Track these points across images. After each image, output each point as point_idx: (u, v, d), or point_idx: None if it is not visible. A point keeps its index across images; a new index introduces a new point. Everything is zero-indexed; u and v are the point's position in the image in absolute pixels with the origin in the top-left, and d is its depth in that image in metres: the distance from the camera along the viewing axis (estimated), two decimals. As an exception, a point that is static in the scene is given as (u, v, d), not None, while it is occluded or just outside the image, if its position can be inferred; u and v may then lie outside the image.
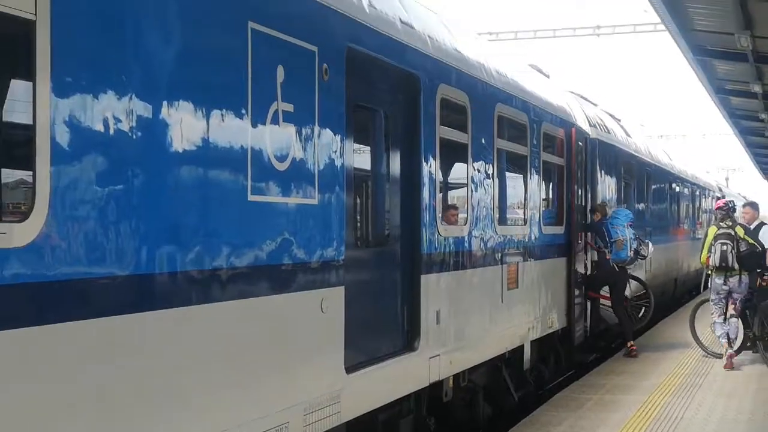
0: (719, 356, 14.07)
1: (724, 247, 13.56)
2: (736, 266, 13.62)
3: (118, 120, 4.72)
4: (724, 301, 13.90)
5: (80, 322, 4.47)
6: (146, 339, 4.92)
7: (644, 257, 15.63)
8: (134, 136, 4.84)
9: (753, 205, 15.59)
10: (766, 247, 14.60)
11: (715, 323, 13.97)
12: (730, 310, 13.86)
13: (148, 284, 4.96)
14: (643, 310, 17.08)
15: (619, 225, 14.81)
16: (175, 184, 5.17)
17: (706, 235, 14.30)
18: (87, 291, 4.54)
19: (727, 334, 13.85)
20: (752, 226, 15.10)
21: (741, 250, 13.58)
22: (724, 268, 13.63)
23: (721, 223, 13.98)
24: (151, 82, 4.98)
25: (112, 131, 4.68)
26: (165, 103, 5.07)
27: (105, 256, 4.64)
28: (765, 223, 15.32)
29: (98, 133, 4.60)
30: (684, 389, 11.88)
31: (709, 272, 14.05)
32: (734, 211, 14.24)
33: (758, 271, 14.03)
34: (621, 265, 14.87)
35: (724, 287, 13.79)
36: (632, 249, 14.83)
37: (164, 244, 5.07)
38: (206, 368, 5.39)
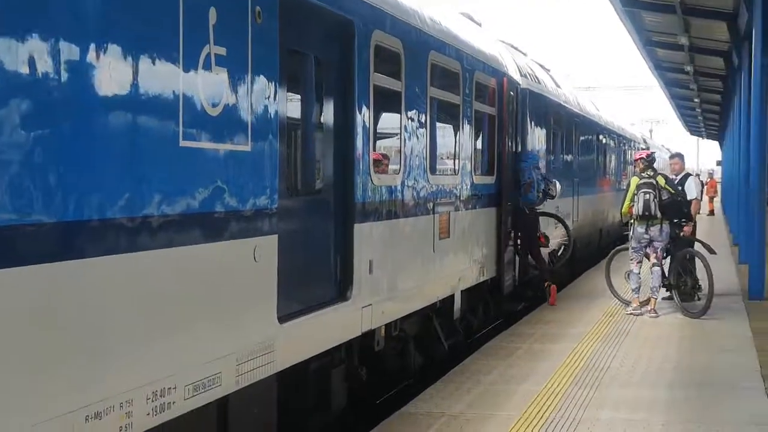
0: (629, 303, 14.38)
1: (647, 196, 13.81)
2: (659, 214, 13.86)
3: (41, 63, 4.52)
4: (643, 249, 14.15)
5: (3, 271, 4.31)
6: (73, 289, 4.77)
7: (552, 197, 15.79)
8: (59, 80, 4.64)
9: (680, 157, 15.81)
10: (689, 197, 14.89)
11: (631, 272, 14.22)
12: (652, 259, 14.12)
13: (75, 232, 4.79)
14: (562, 248, 17.33)
15: (526, 168, 14.86)
16: (104, 129, 4.99)
17: (628, 186, 14.52)
18: (10, 239, 4.37)
19: (639, 287, 14.16)
20: (678, 177, 15.33)
21: (663, 198, 13.85)
22: (647, 217, 13.86)
23: (642, 174, 14.20)
24: (77, 23, 4.78)
25: (35, 75, 4.48)
26: (93, 45, 4.87)
27: (31, 204, 4.47)
28: (690, 174, 15.58)
29: (21, 76, 4.40)
30: (610, 338, 12.03)
31: (632, 221, 14.24)
32: (654, 161, 14.47)
33: (679, 220, 14.31)
34: (531, 207, 14.98)
35: (646, 236, 14.02)
36: (540, 190, 14.97)
37: (93, 191, 4.91)
38: (135, 319, 5.26)
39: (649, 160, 14.30)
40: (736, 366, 10.27)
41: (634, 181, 14.23)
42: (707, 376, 9.77)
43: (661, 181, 14.08)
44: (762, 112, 15.73)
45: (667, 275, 14.37)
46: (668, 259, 14.53)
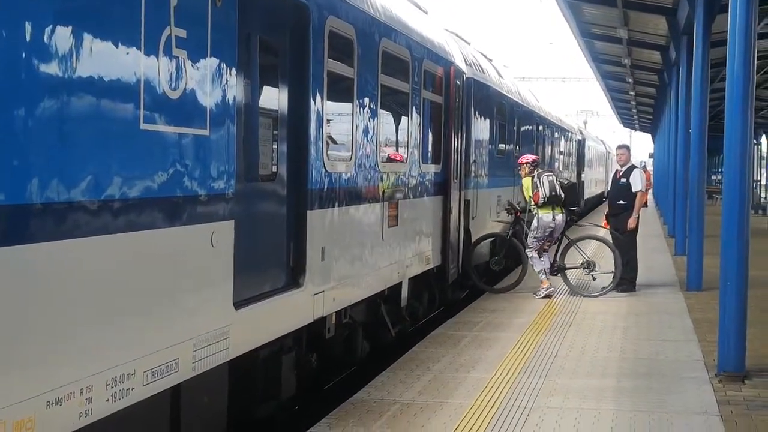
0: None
1: (551, 178, 14.61)
2: (563, 195, 14.53)
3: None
4: (545, 238, 14.77)
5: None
6: (28, 273, 4.66)
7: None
8: (15, 58, 4.53)
9: (627, 148, 16.01)
10: (634, 189, 15.12)
11: (533, 258, 14.82)
12: (545, 246, 14.90)
13: (33, 215, 4.68)
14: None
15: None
16: (65, 110, 4.89)
17: (522, 186, 15.13)
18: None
19: (545, 268, 14.81)
20: (623, 168, 15.53)
21: (563, 183, 14.71)
22: (553, 199, 14.50)
23: (531, 174, 14.88)
24: (38, 3, 4.67)
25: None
26: (52, 25, 4.76)
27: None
28: (636, 166, 15.78)
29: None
30: (556, 327, 12.13)
31: (536, 210, 14.71)
32: (537, 166, 15.24)
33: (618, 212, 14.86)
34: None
35: (552, 224, 14.65)
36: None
37: (50, 174, 4.80)
38: (92, 304, 5.17)
39: (534, 165, 15.01)
40: (680, 356, 10.41)
41: (527, 180, 14.86)
42: (653, 366, 9.89)
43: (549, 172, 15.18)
44: (702, 105, 15.96)
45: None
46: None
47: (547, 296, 14.61)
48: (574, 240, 15.32)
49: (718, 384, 9.12)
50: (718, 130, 13.24)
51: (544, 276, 14.89)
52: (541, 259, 14.94)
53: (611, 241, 15.35)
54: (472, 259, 15.46)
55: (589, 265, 15.22)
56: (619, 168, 15.74)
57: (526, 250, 15.03)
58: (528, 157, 15.35)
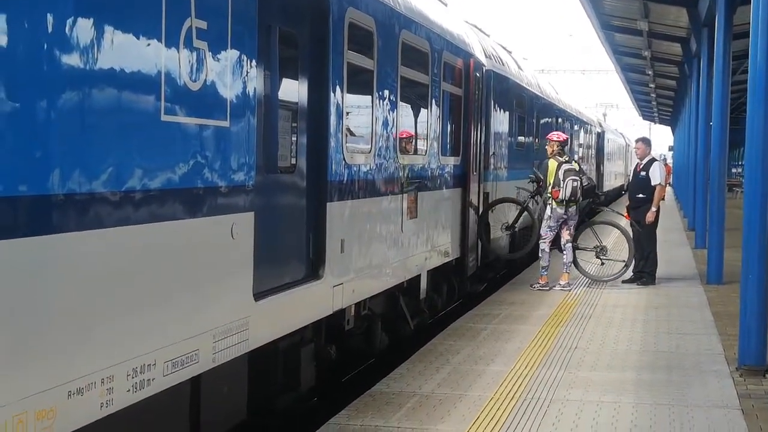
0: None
1: (575, 184, 14.62)
2: (581, 199, 14.78)
3: (20, 34, 4.41)
4: (558, 229, 14.84)
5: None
6: (54, 263, 4.68)
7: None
8: (40, 52, 4.54)
9: (645, 141, 15.91)
10: (653, 182, 15.06)
11: (543, 251, 14.85)
12: (566, 236, 14.88)
13: (57, 206, 4.70)
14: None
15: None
16: (87, 102, 4.90)
17: (547, 168, 14.93)
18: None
19: (549, 265, 14.86)
20: (643, 162, 15.46)
21: (584, 184, 14.74)
22: (571, 201, 14.64)
23: (558, 157, 14.79)
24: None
25: (13, 47, 4.37)
26: (74, 17, 4.76)
27: (11, 177, 4.38)
28: (656, 160, 15.71)
29: (1, 50, 4.29)
30: (575, 320, 12.10)
31: (551, 202, 14.76)
32: (566, 146, 15.36)
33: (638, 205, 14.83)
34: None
35: (564, 215, 14.74)
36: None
37: (74, 165, 4.81)
38: (113, 295, 5.18)
39: (564, 144, 15.02)
40: (700, 349, 10.37)
41: (553, 163, 14.76)
42: (673, 360, 9.85)
43: (576, 165, 15.00)
44: (724, 97, 15.86)
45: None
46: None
47: (542, 290, 14.71)
48: (592, 223, 15.58)
49: (738, 378, 9.08)
50: (739, 123, 13.19)
51: (565, 270, 14.94)
52: (564, 252, 14.94)
53: (629, 231, 15.36)
54: (488, 225, 15.40)
55: (602, 250, 15.39)
56: (639, 161, 15.67)
57: (539, 241, 15.00)
58: (559, 135, 15.28)
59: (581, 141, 32.80)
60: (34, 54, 4.50)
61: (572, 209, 14.78)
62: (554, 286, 14.78)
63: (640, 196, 15.39)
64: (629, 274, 15.36)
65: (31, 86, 4.50)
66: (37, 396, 4.54)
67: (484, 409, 7.89)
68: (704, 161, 20.63)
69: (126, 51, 5.21)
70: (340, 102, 8.54)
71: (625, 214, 16.02)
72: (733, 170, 55.50)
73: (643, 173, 15.36)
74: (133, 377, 5.32)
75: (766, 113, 9.24)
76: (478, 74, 14.54)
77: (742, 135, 9.67)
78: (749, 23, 9.42)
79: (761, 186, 9.31)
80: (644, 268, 15.35)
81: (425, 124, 11.75)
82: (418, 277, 11.63)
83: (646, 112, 68.49)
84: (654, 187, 15.12)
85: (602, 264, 15.55)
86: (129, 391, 5.29)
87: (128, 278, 5.31)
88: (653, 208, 15.11)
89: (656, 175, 15.13)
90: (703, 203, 20.34)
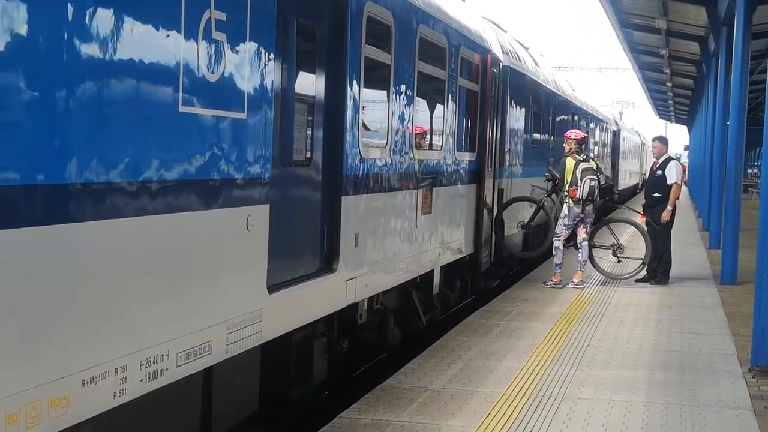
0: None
1: (593, 183, 14.61)
2: (598, 198, 14.76)
3: (40, 25, 4.42)
4: (573, 227, 14.87)
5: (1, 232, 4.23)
6: (70, 252, 4.70)
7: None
8: (60, 42, 4.55)
9: (662, 140, 15.88)
10: (669, 182, 15.03)
11: (558, 248, 14.87)
12: (582, 234, 14.91)
13: (74, 195, 4.71)
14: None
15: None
16: (106, 92, 4.92)
17: (564, 166, 14.89)
18: (8, 200, 4.28)
19: (562, 263, 14.92)
20: (660, 161, 15.43)
21: (601, 183, 14.72)
22: (588, 201, 14.64)
23: (576, 156, 14.77)
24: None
25: (34, 37, 4.38)
26: (93, 7, 4.78)
27: (30, 166, 4.40)
28: (672, 158, 15.67)
29: (21, 37, 4.29)
30: (588, 318, 12.08)
31: (567, 200, 14.77)
32: (585, 145, 15.42)
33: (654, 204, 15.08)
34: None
35: (581, 214, 14.77)
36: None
37: (91, 155, 4.83)
38: (128, 284, 5.20)
39: (582, 142, 15.03)
40: (713, 349, 10.34)
41: (570, 162, 14.75)
42: (685, 359, 9.83)
43: (594, 164, 14.99)
44: (741, 97, 15.81)
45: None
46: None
47: (556, 287, 14.72)
48: (609, 220, 15.69)
49: (751, 378, 9.06)
50: (756, 123, 13.14)
51: (579, 268, 14.94)
52: (580, 250, 14.95)
53: (645, 229, 15.39)
54: (502, 222, 15.38)
55: (619, 248, 15.40)
56: (656, 160, 15.63)
57: (554, 239, 15.03)
58: (577, 133, 15.31)
59: (597, 139, 32.72)
60: (54, 44, 4.52)
61: (589, 208, 14.77)
62: (567, 284, 14.76)
63: (656, 194, 15.37)
64: (643, 273, 15.35)
65: (50, 76, 4.52)
66: (51, 384, 4.57)
67: (495, 406, 7.90)
68: (720, 161, 20.57)
69: (145, 42, 5.22)
70: (356, 96, 8.54)
71: (641, 212, 16.01)
72: (749, 170, 55.25)
73: (659, 172, 15.33)
74: (146, 367, 5.34)
75: (783, 114, 9.20)
76: (494, 70, 14.52)
77: (759, 135, 9.65)
78: (768, 23, 9.38)
79: (777, 187, 9.28)
80: (658, 268, 15.33)
81: (441, 119, 11.75)
82: (431, 272, 11.62)
83: (663, 111, 68.29)
84: (670, 186, 15.08)
85: (619, 262, 15.56)
86: (142, 380, 5.31)
87: (143, 268, 5.32)
88: (669, 207, 15.09)
89: (672, 174, 15.10)
90: (719, 203, 20.30)
